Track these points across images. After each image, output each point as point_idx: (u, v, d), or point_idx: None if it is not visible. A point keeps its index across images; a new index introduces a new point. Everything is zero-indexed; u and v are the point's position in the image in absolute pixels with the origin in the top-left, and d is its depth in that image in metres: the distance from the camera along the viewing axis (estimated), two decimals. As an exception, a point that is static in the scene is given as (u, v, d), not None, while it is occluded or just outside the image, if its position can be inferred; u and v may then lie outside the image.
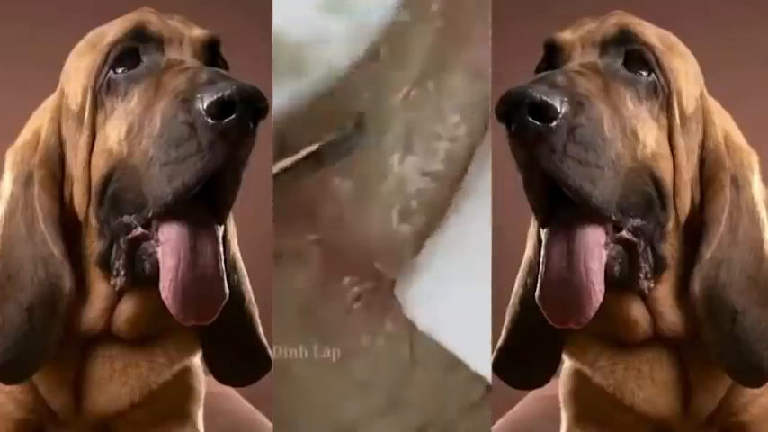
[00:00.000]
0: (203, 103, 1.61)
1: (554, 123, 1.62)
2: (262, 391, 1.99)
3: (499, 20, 1.90)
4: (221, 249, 1.68)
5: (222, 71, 1.69)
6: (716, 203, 1.75)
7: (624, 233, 1.69)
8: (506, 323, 1.87)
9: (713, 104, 1.81)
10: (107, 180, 1.70)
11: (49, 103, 1.80)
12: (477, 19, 1.89)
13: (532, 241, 1.83)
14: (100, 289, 1.74)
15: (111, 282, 1.72)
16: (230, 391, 2.34)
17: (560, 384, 1.92)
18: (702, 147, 1.78)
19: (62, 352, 1.75)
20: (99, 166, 1.71)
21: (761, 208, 1.76)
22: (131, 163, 1.67)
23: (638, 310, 1.75)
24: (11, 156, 1.77)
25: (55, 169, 1.76)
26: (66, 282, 1.72)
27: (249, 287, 1.85)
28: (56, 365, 1.76)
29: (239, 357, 1.85)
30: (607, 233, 1.69)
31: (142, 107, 1.69)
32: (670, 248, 1.74)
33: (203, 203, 1.67)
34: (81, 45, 1.79)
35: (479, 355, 1.83)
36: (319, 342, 1.83)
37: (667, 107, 1.74)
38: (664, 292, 1.75)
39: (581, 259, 1.67)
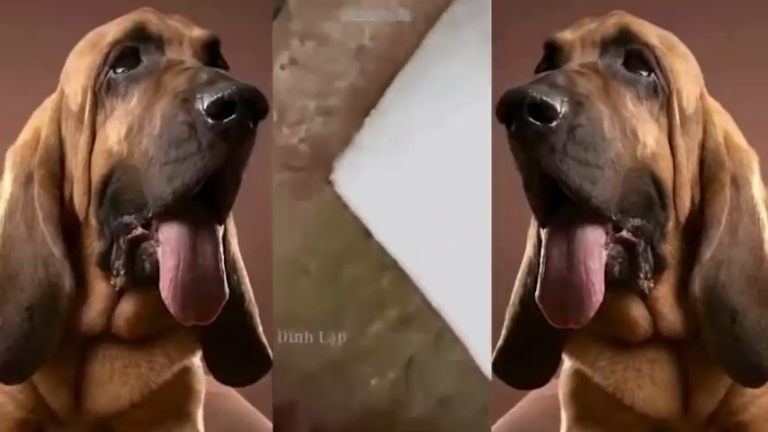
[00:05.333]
0: (203, 103, 1.61)
1: (554, 123, 1.62)
2: (262, 391, 1.99)
3: (499, 20, 1.90)
4: (221, 249, 1.68)
5: (222, 71, 1.69)
6: (716, 203, 1.75)
7: (624, 233, 1.69)
8: (506, 323, 1.87)
9: (713, 104, 1.81)
10: (107, 180, 1.70)
11: (49, 102, 1.80)
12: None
13: (532, 241, 1.83)
14: (100, 289, 1.74)
15: (111, 282, 1.72)
16: (230, 391, 2.34)
17: (560, 384, 1.92)
18: (702, 147, 1.78)
19: (62, 352, 1.75)
20: (99, 166, 1.71)
21: (761, 208, 1.76)
22: (131, 163, 1.67)
23: (638, 310, 1.75)
24: (11, 156, 1.77)
25: (55, 169, 1.75)
26: (66, 282, 1.72)
27: (249, 287, 1.86)
28: (56, 365, 1.76)
29: (239, 357, 1.85)
30: (607, 233, 1.69)
31: (142, 107, 1.69)
32: (670, 248, 1.74)
33: (203, 203, 1.67)
34: (81, 45, 1.79)
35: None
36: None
37: (667, 107, 1.74)
38: (664, 292, 1.75)
39: (581, 259, 1.67)
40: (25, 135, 1.78)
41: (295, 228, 1.87)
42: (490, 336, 1.86)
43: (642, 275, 1.72)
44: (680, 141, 1.74)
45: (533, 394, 2.29)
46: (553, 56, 1.79)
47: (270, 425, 1.94)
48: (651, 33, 1.77)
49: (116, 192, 1.69)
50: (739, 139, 1.80)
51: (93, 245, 1.73)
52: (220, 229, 1.70)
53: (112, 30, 1.76)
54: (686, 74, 1.77)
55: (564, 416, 1.92)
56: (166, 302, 1.66)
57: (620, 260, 1.70)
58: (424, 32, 1.88)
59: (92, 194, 1.72)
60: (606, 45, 1.76)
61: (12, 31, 2.90)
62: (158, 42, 1.75)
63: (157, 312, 1.70)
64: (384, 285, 1.86)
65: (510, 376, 1.88)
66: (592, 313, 1.67)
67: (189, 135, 1.62)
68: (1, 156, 1.78)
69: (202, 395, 1.91)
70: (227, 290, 1.68)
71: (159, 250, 1.67)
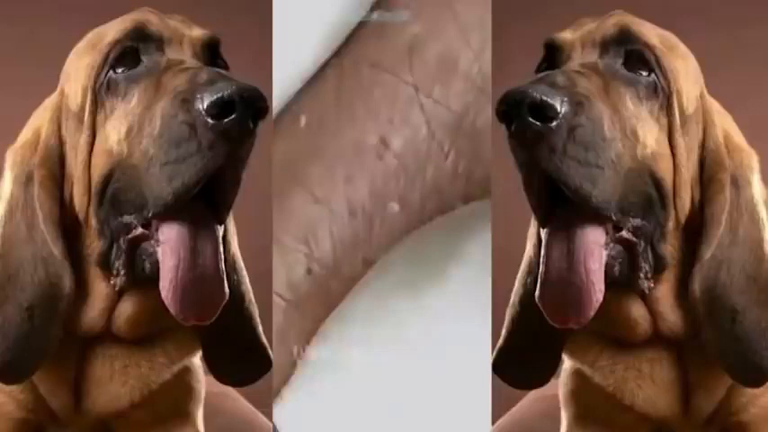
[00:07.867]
0: (203, 102, 1.61)
1: (554, 123, 1.62)
2: (262, 391, 1.99)
3: (499, 20, 1.90)
4: (221, 249, 1.68)
5: (222, 71, 1.69)
6: (716, 203, 1.75)
7: (624, 233, 1.69)
8: (506, 323, 1.87)
9: (713, 104, 1.81)
10: (107, 180, 1.70)
11: (49, 102, 1.80)
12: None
13: (532, 241, 1.83)
14: (100, 289, 1.74)
15: (111, 282, 1.72)
16: (230, 391, 2.34)
17: (560, 384, 1.92)
18: (702, 147, 1.78)
19: (62, 352, 1.75)
20: (99, 166, 1.71)
21: (761, 208, 1.76)
22: (131, 163, 1.67)
23: (638, 310, 1.75)
24: (11, 156, 1.77)
25: (55, 169, 1.75)
26: (66, 282, 1.72)
27: (249, 287, 1.85)
28: (56, 365, 1.76)
29: (239, 357, 1.85)
30: (607, 233, 1.69)
31: (142, 107, 1.69)
32: (670, 248, 1.74)
33: (203, 203, 1.67)
34: (81, 45, 1.79)
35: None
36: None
37: (667, 107, 1.74)
38: (664, 292, 1.75)
39: (581, 259, 1.67)
40: (25, 135, 1.78)
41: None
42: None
43: (642, 275, 1.72)
44: (680, 141, 1.74)
45: (533, 394, 2.29)
46: (553, 56, 1.79)
47: (270, 425, 1.93)
48: (651, 33, 1.77)
49: (116, 192, 1.69)
50: (739, 139, 1.80)
51: (93, 245, 1.73)
52: (220, 229, 1.70)
53: (112, 30, 1.76)
54: (686, 74, 1.77)
55: (564, 416, 1.92)
56: (166, 302, 1.66)
57: (620, 260, 1.70)
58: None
59: (92, 194, 1.72)
60: (606, 45, 1.76)
61: (12, 31, 2.90)
62: (158, 42, 1.74)
63: (157, 312, 1.70)
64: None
65: (510, 376, 1.88)
66: (592, 313, 1.67)
67: (189, 135, 1.62)
68: (1, 156, 1.78)
69: (202, 395, 1.91)
70: (227, 290, 1.68)
71: (159, 250, 1.67)
